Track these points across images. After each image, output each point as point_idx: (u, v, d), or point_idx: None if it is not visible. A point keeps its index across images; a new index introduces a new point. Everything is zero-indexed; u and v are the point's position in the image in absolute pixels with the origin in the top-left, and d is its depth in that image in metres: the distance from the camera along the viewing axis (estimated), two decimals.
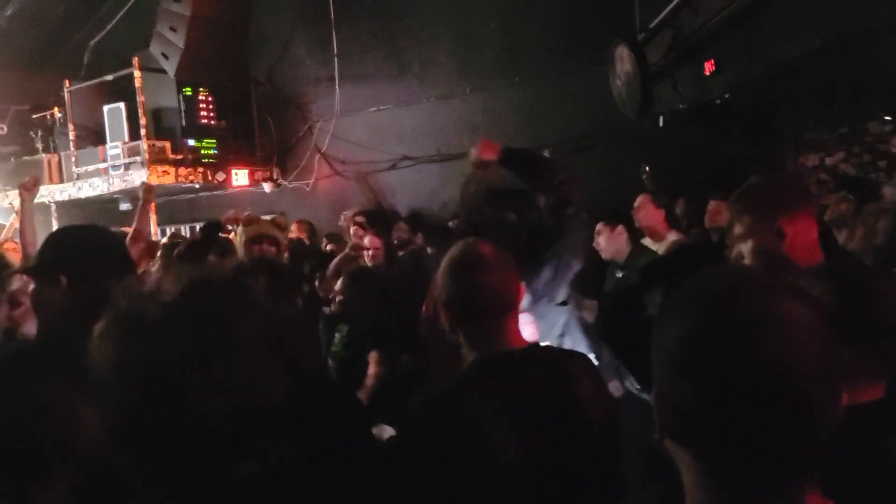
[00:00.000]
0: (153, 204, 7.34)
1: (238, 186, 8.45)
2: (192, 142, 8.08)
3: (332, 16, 7.91)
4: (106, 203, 8.66)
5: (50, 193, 8.56)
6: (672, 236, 4.11)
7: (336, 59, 8.02)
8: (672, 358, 0.80)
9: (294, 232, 6.42)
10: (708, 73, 4.69)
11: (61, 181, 8.64)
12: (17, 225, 4.20)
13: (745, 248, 1.85)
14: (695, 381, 0.78)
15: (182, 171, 7.95)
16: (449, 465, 1.50)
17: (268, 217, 6.36)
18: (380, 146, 8.00)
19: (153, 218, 7.00)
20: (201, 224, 9.15)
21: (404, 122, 7.91)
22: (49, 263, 1.97)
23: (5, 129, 9.14)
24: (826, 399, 0.76)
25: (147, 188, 3.95)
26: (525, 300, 2.38)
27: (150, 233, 3.86)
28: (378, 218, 6.32)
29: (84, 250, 2.00)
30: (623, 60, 5.25)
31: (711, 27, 4.49)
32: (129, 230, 3.63)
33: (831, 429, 0.78)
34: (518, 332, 1.72)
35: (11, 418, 1.06)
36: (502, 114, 7.29)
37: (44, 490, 0.85)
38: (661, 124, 5.72)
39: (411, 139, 7.86)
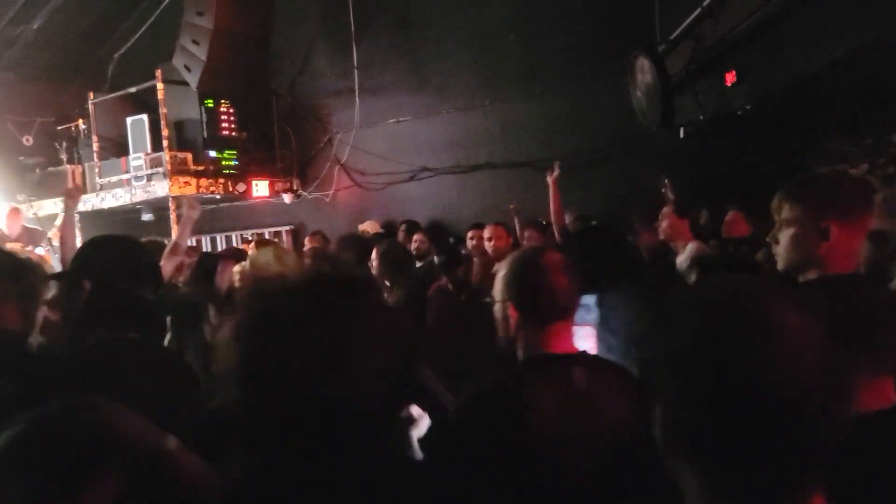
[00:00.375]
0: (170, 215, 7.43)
1: (258, 197, 8.52)
2: (213, 153, 8.16)
3: (353, 28, 7.98)
4: (128, 213, 8.78)
5: None
6: (693, 245, 4.10)
7: (356, 71, 8.09)
8: (672, 367, 0.80)
9: (308, 244, 6.51)
10: (729, 84, 4.68)
11: (85, 192, 8.76)
12: (55, 241, 4.27)
13: (785, 234, 1.78)
14: (695, 389, 0.77)
15: (203, 181, 8.04)
16: (486, 459, 1.54)
17: (273, 228, 6.33)
18: (399, 158, 8.04)
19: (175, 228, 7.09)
20: (221, 234, 9.23)
21: (423, 134, 7.95)
22: (76, 270, 2.06)
23: (31, 140, 9.28)
24: (827, 404, 0.76)
25: (191, 204, 3.74)
26: (594, 314, 2.45)
27: (186, 246, 3.87)
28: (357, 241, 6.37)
29: (110, 258, 2.11)
30: (643, 71, 5.24)
31: (733, 38, 4.48)
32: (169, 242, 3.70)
33: (835, 433, 0.77)
34: (569, 338, 1.77)
35: (51, 419, 1.08)
36: (521, 125, 7.31)
37: (89, 490, 0.86)
38: (681, 135, 5.71)
39: (430, 151, 7.90)
